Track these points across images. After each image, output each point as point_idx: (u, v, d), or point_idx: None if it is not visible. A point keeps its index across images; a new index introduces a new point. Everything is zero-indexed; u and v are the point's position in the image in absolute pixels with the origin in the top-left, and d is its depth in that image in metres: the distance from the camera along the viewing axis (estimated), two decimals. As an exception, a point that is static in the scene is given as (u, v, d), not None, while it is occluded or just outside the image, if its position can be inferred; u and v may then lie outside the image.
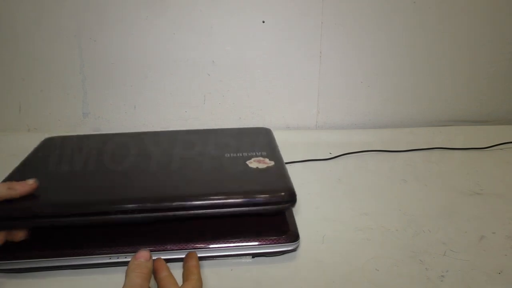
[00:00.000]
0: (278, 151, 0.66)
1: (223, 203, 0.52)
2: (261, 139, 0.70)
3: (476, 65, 0.92)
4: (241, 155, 0.64)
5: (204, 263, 0.54)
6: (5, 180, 0.58)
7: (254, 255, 0.54)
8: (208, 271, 0.53)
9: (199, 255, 0.53)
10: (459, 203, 0.66)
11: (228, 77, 0.89)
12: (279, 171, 0.59)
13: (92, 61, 0.86)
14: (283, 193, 0.54)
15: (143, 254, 0.44)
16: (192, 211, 0.52)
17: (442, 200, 0.67)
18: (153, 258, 0.52)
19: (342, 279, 0.51)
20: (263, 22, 0.85)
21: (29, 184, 0.51)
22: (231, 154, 0.64)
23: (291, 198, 0.54)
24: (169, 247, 0.53)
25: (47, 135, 0.75)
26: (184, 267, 0.48)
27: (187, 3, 0.83)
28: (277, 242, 0.54)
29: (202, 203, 0.52)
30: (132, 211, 0.51)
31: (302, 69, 0.90)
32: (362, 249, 0.56)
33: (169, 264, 0.53)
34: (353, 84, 0.92)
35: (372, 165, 0.78)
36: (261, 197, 0.53)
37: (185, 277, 0.46)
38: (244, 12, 0.84)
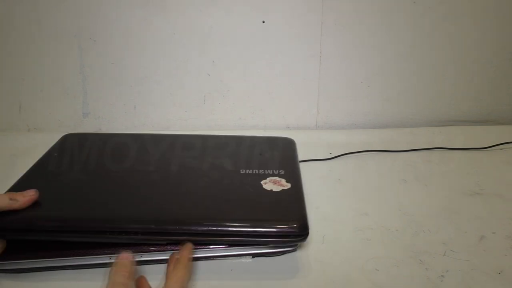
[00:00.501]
0: (298, 170, 0.63)
1: (227, 231, 0.51)
2: (282, 154, 0.67)
3: (476, 65, 0.92)
4: (257, 172, 0.60)
5: (204, 263, 0.54)
6: (19, 181, 0.58)
7: (254, 255, 0.54)
8: (208, 271, 0.53)
9: (199, 255, 0.53)
10: (459, 203, 0.66)
11: (228, 77, 0.89)
12: (295, 197, 0.56)
13: (92, 61, 0.86)
14: (293, 226, 0.50)
15: (125, 256, 0.45)
16: (194, 237, 0.51)
17: (442, 200, 0.67)
18: (150, 259, 0.52)
19: (342, 279, 0.51)
20: (263, 22, 0.85)
21: (30, 195, 0.52)
22: (247, 171, 0.61)
23: (302, 232, 0.51)
24: (169, 247, 0.53)
25: (47, 135, 0.75)
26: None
27: (187, 3, 0.83)
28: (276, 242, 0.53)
29: (207, 230, 0.51)
30: (134, 233, 0.51)
31: (302, 69, 0.90)
32: (362, 249, 0.56)
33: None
34: (353, 84, 0.92)
35: (372, 165, 0.78)
36: (268, 229, 0.50)
37: (173, 266, 0.47)
38: (244, 12, 0.84)
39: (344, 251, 0.56)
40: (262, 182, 0.58)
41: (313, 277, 0.52)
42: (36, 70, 0.86)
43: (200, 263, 0.54)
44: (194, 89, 0.90)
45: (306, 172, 0.75)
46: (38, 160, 0.64)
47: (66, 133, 0.72)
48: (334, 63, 0.89)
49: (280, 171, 0.61)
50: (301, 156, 0.79)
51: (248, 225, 0.51)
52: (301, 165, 0.77)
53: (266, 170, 0.61)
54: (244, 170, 0.61)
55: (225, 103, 0.91)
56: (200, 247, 0.53)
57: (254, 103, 0.92)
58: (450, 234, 0.59)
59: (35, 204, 0.53)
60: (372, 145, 0.83)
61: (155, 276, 0.51)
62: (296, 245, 0.55)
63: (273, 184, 0.58)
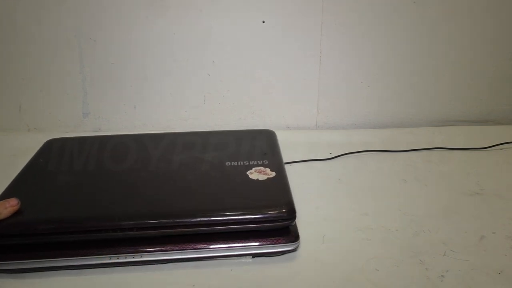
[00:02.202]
0: (280, 159, 0.66)
1: (219, 221, 0.52)
2: (264, 145, 0.70)
3: (476, 65, 0.92)
4: (242, 163, 0.63)
5: (204, 263, 0.54)
6: (8, 188, 0.59)
7: (254, 255, 0.54)
8: (208, 271, 0.53)
9: (199, 255, 0.53)
10: (459, 203, 0.66)
11: (228, 77, 0.89)
12: (280, 184, 0.59)
13: (92, 61, 0.86)
14: (282, 210, 0.53)
15: None
16: (188, 229, 0.52)
17: (442, 200, 0.67)
18: (150, 259, 0.52)
19: (342, 279, 0.51)
20: (263, 22, 0.85)
21: (11, 206, 0.52)
22: (232, 163, 0.64)
23: (290, 215, 0.53)
24: (169, 247, 0.53)
25: (47, 135, 0.75)
26: None
27: (187, 3, 0.83)
28: (277, 242, 0.54)
29: (200, 221, 0.52)
30: (129, 228, 0.52)
31: (302, 69, 0.90)
32: (362, 249, 0.56)
33: (169, 265, 0.53)
34: (353, 84, 0.92)
35: (372, 165, 0.78)
36: (259, 216, 0.53)
37: None
38: (244, 12, 0.84)
39: (344, 251, 0.56)
40: (248, 173, 0.61)
41: (313, 277, 0.52)
42: (36, 70, 0.87)
43: (200, 263, 0.54)
44: (194, 89, 0.90)
45: (306, 172, 0.75)
46: (25, 167, 0.64)
47: (48, 139, 0.73)
48: (334, 63, 0.90)
49: (264, 161, 0.64)
50: (301, 156, 0.79)
51: (239, 213, 0.53)
52: (301, 165, 0.77)
53: (250, 161, 0.64)
54: (229, 163, 0.64)
55: (225, 103, 0.92)
56: (200, 247, 0.53)
57: (254, 103, 0.92)
58: (450, 234, 0.59)
59: (30, 209, 0.53)
60: (372, 145, 0.83)
61: (153, 275, 0.52)
62: (296, 245, 0.55)
63: (258, 173, 0.61)
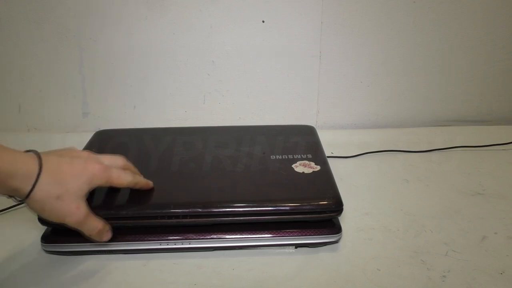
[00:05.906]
0: (323, 154, 0.67)
1: (270, 211, 0.54)
2: (306, 140, 0.71)
3: (476, 65, 0.92)
4: (286, 157, 0.65)
5: (206, 261, 0.54)
6: None
7: (297, 246, 0.56)
8: (209, 270, 0.53)
9: (244, 243, 0.56)
10: (460, 203, 0.66)
11: (228, 77, 0.89)
12: (325, 177, 0.60)
13: (92, 61, 0.86)
14: (329, 202, 0.55)
15: None
16: (240, 217, 0.54)
17: (444, 200, 0.67)
18: (197, 246, 0.55)
19: (342, 279, 0.51)
20: (263, 22, 0.85)
21: (149, 185, 0.56)
22: (277, 156, 0.65)
23: (338, 207, 0.55)
24: (216, 235, 0.55)
25: (47, 135, 0.74)
26: None
27: (187, 3, 0.83)
28: (321, 233, 0.55)
29: (250, 210, 0.54)
30: (183, 216, 0.54)
31: (302, 69, 0.89)
32: (363, 249, 0.56)
33: (211, 253, 0.53)
34: (353, 84, 0.92)
35: (374, 164, 0.78)
36: (307, 206, 0.54)
37: None
38: (244, 12, 0.84)
39: (345, 251, 0.56)
40: (293, 166, 0.63)
41: (313, 277, 0.52)
42: (35, 70, 0.86)
43: (201, 261, 0.54)
44: (194, 89, 0.90)
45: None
46: None
47: (98, 130, 0.75)
48: (334, 63, 0.89)
49: (308, 155, 0.65)
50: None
51: (289, 203, 0.55)
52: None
53: (294, 155, 0.65)
54: (274, 156, 0.65)
55: (225, 103, 0.91)
56: (244, 236, 0.55)
57: (254, 103, 0.92)
58: (451, 234, 0.59)
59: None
60: (372, 145, 0.83)
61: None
62: (338, 237, 0.56)
63: (304, 167, 0.62)
